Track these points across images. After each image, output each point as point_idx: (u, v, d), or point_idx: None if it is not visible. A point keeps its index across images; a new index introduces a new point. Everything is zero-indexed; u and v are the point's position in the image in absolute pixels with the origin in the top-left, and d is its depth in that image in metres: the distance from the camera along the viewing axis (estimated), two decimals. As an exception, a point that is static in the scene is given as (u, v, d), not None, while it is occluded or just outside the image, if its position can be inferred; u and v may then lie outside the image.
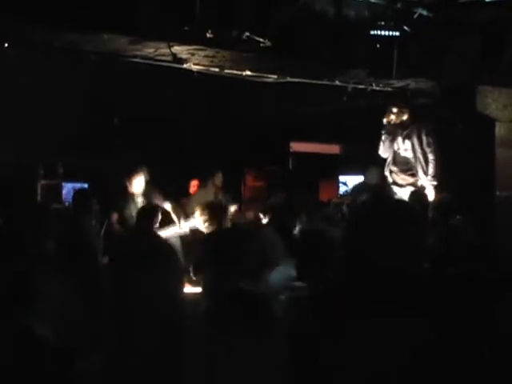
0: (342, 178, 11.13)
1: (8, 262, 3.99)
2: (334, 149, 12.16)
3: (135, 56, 7.61)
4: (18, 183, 8.97)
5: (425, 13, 8.09)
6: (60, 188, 9.61)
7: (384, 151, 8.78)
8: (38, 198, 9.41)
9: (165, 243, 5.81)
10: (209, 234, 6.02)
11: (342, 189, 11.03)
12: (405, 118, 8.60)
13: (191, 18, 6.93)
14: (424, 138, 8.54)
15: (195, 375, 2.39)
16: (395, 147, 8.69)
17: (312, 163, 11.44)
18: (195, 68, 7.95)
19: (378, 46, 7.96)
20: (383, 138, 8.72)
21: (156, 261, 3.42)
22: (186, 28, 6.97)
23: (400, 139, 8.64)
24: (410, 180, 8.63)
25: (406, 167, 8.67)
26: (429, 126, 8.63)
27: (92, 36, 6.89)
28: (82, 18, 6.34)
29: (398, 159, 8.73)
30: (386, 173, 8.82)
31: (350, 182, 10.93)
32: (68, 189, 9.47)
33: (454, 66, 8.48)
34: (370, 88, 9.06)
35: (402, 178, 8.69)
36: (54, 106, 8.47)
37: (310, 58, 8.00)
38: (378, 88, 9.12)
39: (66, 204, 9.21)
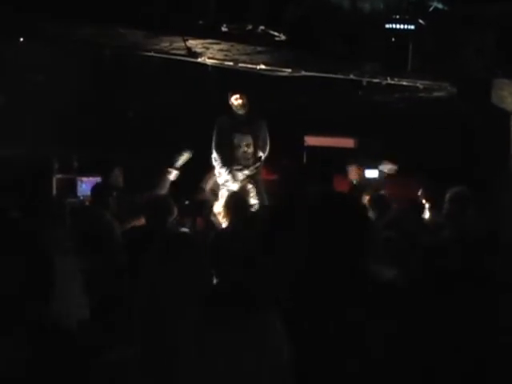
0: (356, 172, 11.08)
1: (23, 259, 3.97)
2: (348, 142, 12.13)
3: (150, 50, 7.63)
4: (34, 177, 9.01)
5: (440, 6, 8.05)
6: (75, 182, 9.65)
7: (218, 147, 8.42)
8: (54, 192, 9.45)
9: (187, 236, 5.82)
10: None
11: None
12: (243, 111, 8.32)
13: (206, 12, 6.94)
14: (261, 133, 8.40)
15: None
16: (236, 143, 8.40)
17: (326, 157, 11.43)
18: (209, 62, 7.95)
19: (393, 39, 7.94)
20: (217, 132, 8.38)
21: (180, 254, 3.43)
22: (200, 22, 6.98)
23: (239, 135, 8.37)
24: (250, 173, 8.43)
25: (247, 163, 8.45)
26: (263, 121, 8.47)
27: (107, 30, 6.91)
28: (98, 12, 6.36)
29: (238, 155, 8.44)
30: (224, 171, 8.39)
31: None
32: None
33: (470, 59, 8.43)
34: (384, 82, 9.02)
35: (243, 174, 8.42)
36: (70, 100, 8.50)
37: (324, 51, 7.97)
38: (392, 82, 9.08)
39: (81, 198, 9.24)
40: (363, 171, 10.20)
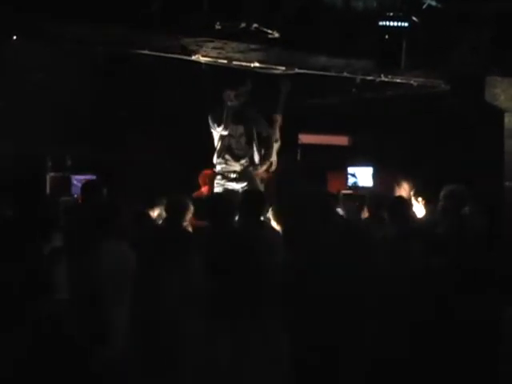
0: (350, 170, 11.11)
1: (20, 258, 3.98)
2: (342, 140, 12.15)
3: (144, 48, 7.62)
4: (27, 176, 9.00)
5: (434, 3, 8.05)
6: (68, 180, 9.62)
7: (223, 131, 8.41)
8: (47, 190, 9.44)
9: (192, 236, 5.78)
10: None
11: (351, 180, 11.02)
12: (237, 102, 8.43)
13: (199, 10, 6.93)
14: (258, 123, 8.52)
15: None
16: (231, 132, 8.46)
17: (320, 155, 11.45)
18: (203, 60, 7.96)
19: (386, 37, 7.92)
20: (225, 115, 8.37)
21: (184, 253, 3.42)
22: (194, 20, 6.97)
23: (232, 125, 8.46)
24: (239, 168, 8.51)
25: (241, 153, 8.56)
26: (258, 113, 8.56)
27: (102, 29, 6.89)
28: (92, 10, 6.35)
29: (232, 145, 8.54)
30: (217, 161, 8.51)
31: (358, 173, 10.93)
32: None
33: (464, 56, 8.44)
34: (378, 79, 9.03)
35: (240, 164, 8.54)
36: (63, 98, 8.50)
37: (318, 49, 7.98)
38: (386, 79, 9.09)
39: (75, 197, 9.22)
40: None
